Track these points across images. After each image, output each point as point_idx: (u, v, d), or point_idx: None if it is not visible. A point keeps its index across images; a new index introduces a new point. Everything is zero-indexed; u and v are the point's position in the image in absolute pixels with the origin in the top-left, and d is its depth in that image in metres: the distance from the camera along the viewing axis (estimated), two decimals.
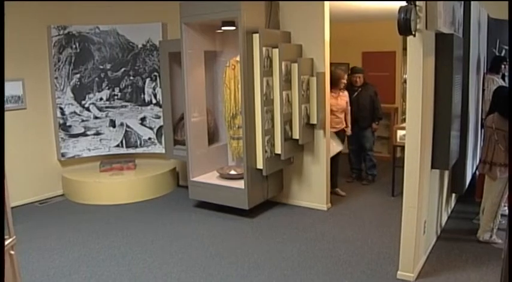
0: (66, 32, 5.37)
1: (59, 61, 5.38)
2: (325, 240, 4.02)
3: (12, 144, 4.87)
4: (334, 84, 5.03)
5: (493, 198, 3.76)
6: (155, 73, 5.60)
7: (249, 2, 4.25)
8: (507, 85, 4.62)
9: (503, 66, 4.81)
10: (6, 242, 2.24)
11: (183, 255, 3.77)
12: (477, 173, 4.47)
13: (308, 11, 4.56)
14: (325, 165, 4.77)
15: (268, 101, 4.38)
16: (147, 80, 5.65)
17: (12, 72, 4.85)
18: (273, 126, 4.47)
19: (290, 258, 3.65)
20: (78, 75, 5.50)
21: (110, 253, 3.83)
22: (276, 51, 4.32)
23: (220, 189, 4.66)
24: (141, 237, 4.17)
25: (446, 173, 4.05)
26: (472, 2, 3.88)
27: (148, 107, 5.71)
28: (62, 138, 5.49)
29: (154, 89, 5.65)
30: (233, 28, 4.60)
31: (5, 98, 4.93)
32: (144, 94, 5.68)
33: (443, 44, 3.27)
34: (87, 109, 5.59)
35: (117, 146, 5.76)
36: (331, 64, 4.77)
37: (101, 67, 5.57)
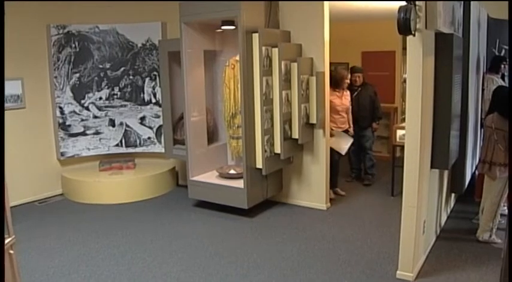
0: (65, 31, 5.36)
1: (58, 60, 5.38)
2: (325, 239, 4.02)
3: (11, 143, 4.87)
4: (338, 84, 5.03)
5: (492, 198, 3.76)
6: (155, 72, 5.60)
7: (248, 2, 4.25)
8: (507, 85, 4.62)
9: (502, 66, 4.81)
10: (6, 242, 2.23)
11: (183, 254, 3.77)
12: (477, 172, 4.47)
13: (308, 10, 4.56)
14: (325, 164, 4.77)
15: (267, 101, 4.38)
16: (147, 79, 5.65)
17: (11, 71, 4.84)
18: (272, 125, 4.47)
19: (289, 258, 3.65)
20: (77, 75, 5.49)
21: (109, 252, 3.83)
22: (275, 50, 4.32)
23: (219, 189, 4.66)
24: (140, 237, 4.17)
25: (446, 173, 4.05)
26: (471, 2, 3.88)
27: (148, 107, 5.70)
28: (61, 137, 5.48)
29: (153, 88, 5.65)
30: (233, 27, 4.59)
31: (5, 97, 4.92)
32: (143, 93, 5.68)
33: (443, 43, 3.26)
34: (87, 108, 5.58)
35: (117, 145, 5.76)
36: (330, 64, 4.76)
37: (101, 66, 5.57)
